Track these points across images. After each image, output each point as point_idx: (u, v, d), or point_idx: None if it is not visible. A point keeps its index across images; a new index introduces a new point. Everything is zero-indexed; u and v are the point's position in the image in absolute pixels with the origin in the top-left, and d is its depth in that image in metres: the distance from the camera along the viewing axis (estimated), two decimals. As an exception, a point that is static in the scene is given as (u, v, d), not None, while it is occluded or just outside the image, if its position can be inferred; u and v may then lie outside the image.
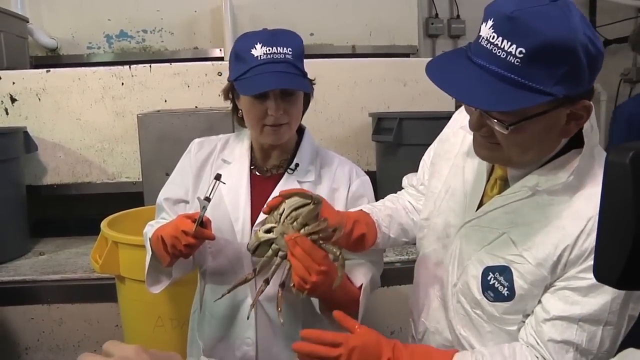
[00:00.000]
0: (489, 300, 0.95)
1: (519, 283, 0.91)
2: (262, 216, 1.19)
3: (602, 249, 0.58)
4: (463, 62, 0.85)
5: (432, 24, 3.74)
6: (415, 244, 1.22)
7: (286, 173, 1.28)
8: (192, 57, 3.10)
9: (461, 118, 1.13)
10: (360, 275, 1.18)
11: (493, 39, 0.81)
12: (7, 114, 2.62)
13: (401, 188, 1.37)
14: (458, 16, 3.77)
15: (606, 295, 0.85)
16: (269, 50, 1.16)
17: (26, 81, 2.62)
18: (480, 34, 0.84)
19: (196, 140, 1.36)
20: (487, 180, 1.02)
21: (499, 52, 0.81)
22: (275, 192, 1.22)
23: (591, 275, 0.62)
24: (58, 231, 2.77)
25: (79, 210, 2.83)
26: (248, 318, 1.20)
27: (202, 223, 1.12)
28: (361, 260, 1.21)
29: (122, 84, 2.65)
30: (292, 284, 1.03)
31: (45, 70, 2.65)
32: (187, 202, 1.31)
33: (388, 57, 3.10)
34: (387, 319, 2.16)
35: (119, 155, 2.68)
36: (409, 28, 3.36)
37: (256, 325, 1.26)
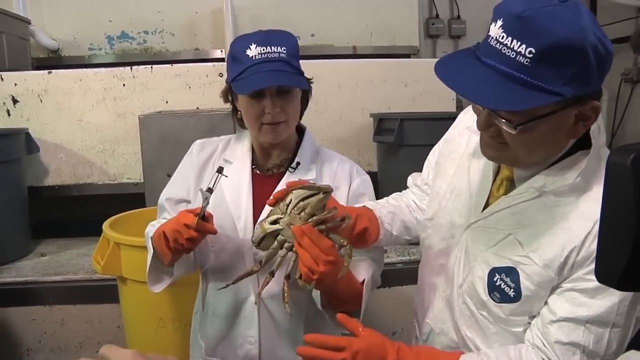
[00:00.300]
0: (495, 301, 0.95)
1: (525, 284, 0.91)
2: (264, 214, 1.19)
3: (604, 250, 0.58)
4: (472, 62, 0.85)
5: (433, 24, 3.73)
6: (417, 243, 1.22)
7: (287, 171, 1.29)
8: (193, 58, 3.11)
9: (467, 118, 1.13)
10: (363, 271, 1.19)
11: (502, 38, 0.81)
12: (8, 115, 2.62)
13: (403, 189, 1.37)
14: (459, 16, 3.77)
15: (613, 297, 0.84)
16: (264, 50, 1.18)
17: (28, 82, 2.62)
18: (490, 34, 0.84)
19: (197, 141, 1.38)
20: (493, 181, 1.02)
21: (508, 52, 0.80)
22: (278, 189, 1.23)
23: None
24: (59, 232, 2.77)
25: (81, 211, 2.83)
26: (256, 303, 1.20)
27: (204, 217, 1.12)
28: (362, 257, 1.21)
29: (124, 85, 2.65)
30: (297, 276, 1.03)
31: (46, 71, 2.64)
32: (189, 202, 1.32)
33: (389, 57, 3.10)
34: (388, 319, 2.16)
35: (121, 157, 2.68)
36: (409, 28, 3.36)
37: (259, 323, 1.26)
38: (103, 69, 2.67)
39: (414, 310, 1.22)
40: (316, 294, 1.19)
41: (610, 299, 0.84)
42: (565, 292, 0.89)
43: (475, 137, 1.04)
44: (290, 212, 1.05)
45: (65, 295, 2.15)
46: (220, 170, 1.15)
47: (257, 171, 1.32)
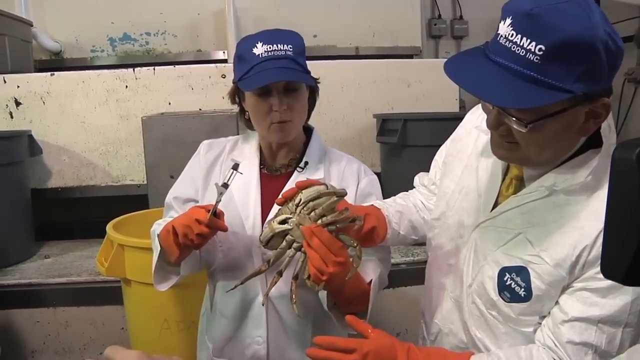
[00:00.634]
0: (505, 300, 0.94)
1: (536, 284, 0.90)
2: (272, 214, 1.19)
3: (609, 245, 0.58)
4: (481, 61, 0.85)
5: (435, 24, 3.73)
6: (422, 243, 1.22)
7: (296, 171, 1.29)
8: (196, 60, 3.12)
9: (474, 118, 1.13)
10: (370, 271, 1.18)
11: (512, 36, 0.81)
12: (11, 117, 2.62)
13: (406, 189, 1.36)
14: (461, 17, 3.76)
15: (626, 296, 0.84)
16: (270, 47, 1.18)
17: (30, 85, 2.62)
18: (499, 32, 0.84)
19: (205, 142, 1.38)
20: (502, 180, 1.01)
21: (518, 50, 0.80)
22: (287, 188, 1.22)
23: None
24: (63, 234, 2.77)
25: (84, 213, 2.83)
26: (263, 304, 1.19)
27: (216, 214, 1.11)
28: (370, 257, 1.21)
29: (126, 86, 2.65)
30: (306, 277, 1.02)
31: (49, 73, 2.64)
32: (196, 201, 1.31)
33: (391, 58, 3.10)
34: (393, 320, 2.15)
35: (124, 158, 2.68)
36: (412, 29, 3.37)
37: (267, 323, 1.26)
38: (105, 71, 2.66)
39: (421, 310, 1.21)
40: (323, 294, 1.18)
41: (623, 298, 0.84)
42: (576, 292, 0.88)
43: (484, 137, 1.03)
44: (300, 212, 1.04)
45: (69, 297, 2.15)
46: (236, 166, 1.15)
47: (265, 171, 1.32)
